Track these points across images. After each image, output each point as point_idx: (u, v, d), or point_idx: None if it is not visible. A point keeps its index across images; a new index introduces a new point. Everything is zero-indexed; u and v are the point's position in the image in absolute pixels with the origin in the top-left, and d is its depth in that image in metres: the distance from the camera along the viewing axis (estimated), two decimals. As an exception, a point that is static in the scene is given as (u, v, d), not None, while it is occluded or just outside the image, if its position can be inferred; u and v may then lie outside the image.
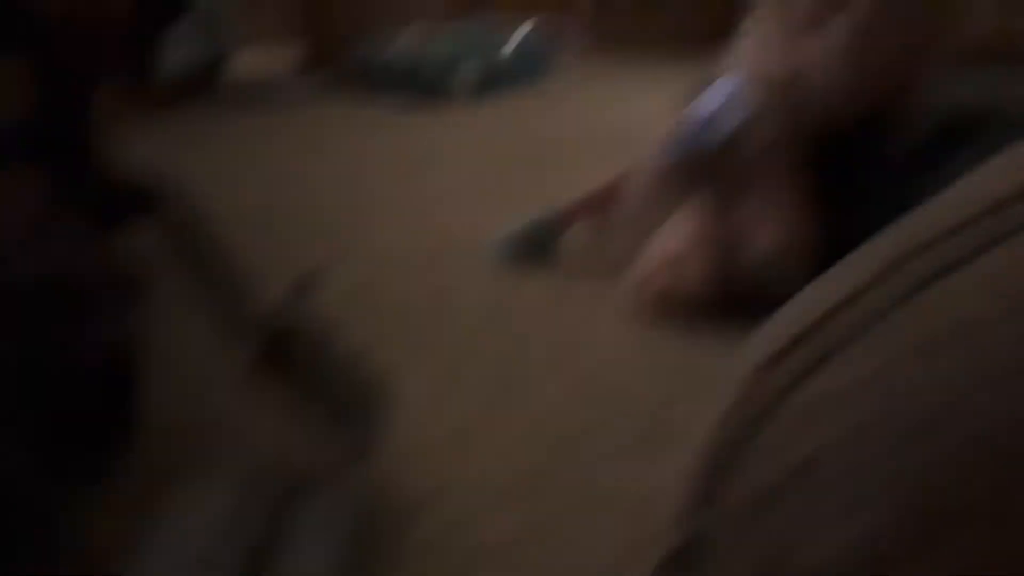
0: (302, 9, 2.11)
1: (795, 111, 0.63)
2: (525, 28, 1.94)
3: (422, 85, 1.72)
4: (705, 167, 0.69)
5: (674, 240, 0.67)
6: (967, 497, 0.25)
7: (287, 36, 2.23)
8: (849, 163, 0.66)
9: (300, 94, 1.81)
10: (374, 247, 0.84)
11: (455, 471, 0.47)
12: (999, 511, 0.25)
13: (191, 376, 0.53)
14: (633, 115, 0.74)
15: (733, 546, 0.30)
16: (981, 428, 0.26)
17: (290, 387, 0.39)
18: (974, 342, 0.26)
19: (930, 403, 0.26)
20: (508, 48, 1.88)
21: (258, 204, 1.01)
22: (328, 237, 0.88)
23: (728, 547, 0.30)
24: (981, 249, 0.28)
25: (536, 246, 0.79)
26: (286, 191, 1.07)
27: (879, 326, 0.28)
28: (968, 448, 0.26)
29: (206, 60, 1.77)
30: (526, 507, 0.44)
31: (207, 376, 0.51)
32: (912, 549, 0.26)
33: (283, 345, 0.39)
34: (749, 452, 0.30)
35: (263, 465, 0.42)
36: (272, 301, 0.40)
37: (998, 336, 0.26)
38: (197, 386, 0.53)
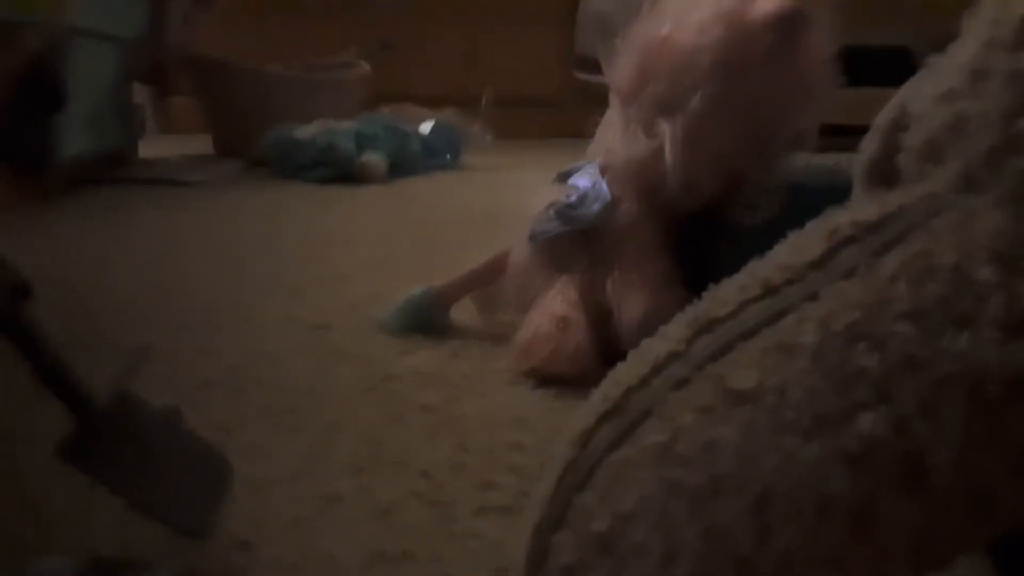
0: (209, 106, 2.14)
1: (647, 195, 0.69)
2: (431, 121, 2.02)
3: (333, 169, 1.76)
4: (574, 243, 0.73)
5: (554, 308, 0.71)
6: (767, 552, 0.28)
7: (198, 129, 2.26)
8: (706, 238, 0.72)
9: (211, 178, 1.81)
10: (262, 322, 0.85)
11: (315, 544, 0.47)
12: (795, 568, 0.28)
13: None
14: (527, 197, 0.79)
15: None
16: (768, 486, 0.29)
17: (117, 467, 0.38)
18: (747, 410, 0.29)
19: (721, 465, 0.29)
20: (416, 137, 1.94)
21: (148, 281, 1.01)
22: (216, 314, 0.88)
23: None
24: (759, 326, 0.32)
25: (424, 318, 0.81)
26: (179, 270, 1.07)
27: (673, 397, 0.32)
28: (761, 505, 0.28)
29: (104, 150, 1.77)
30: (392, 574, 0.44)
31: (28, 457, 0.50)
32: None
33: (115, 421, 0.39)
34: (559, 530, 0.32)
35: (80, 550, 0.41)
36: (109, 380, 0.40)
37: (767, 404, 0.29)
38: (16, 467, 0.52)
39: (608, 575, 0.30)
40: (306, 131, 1.77)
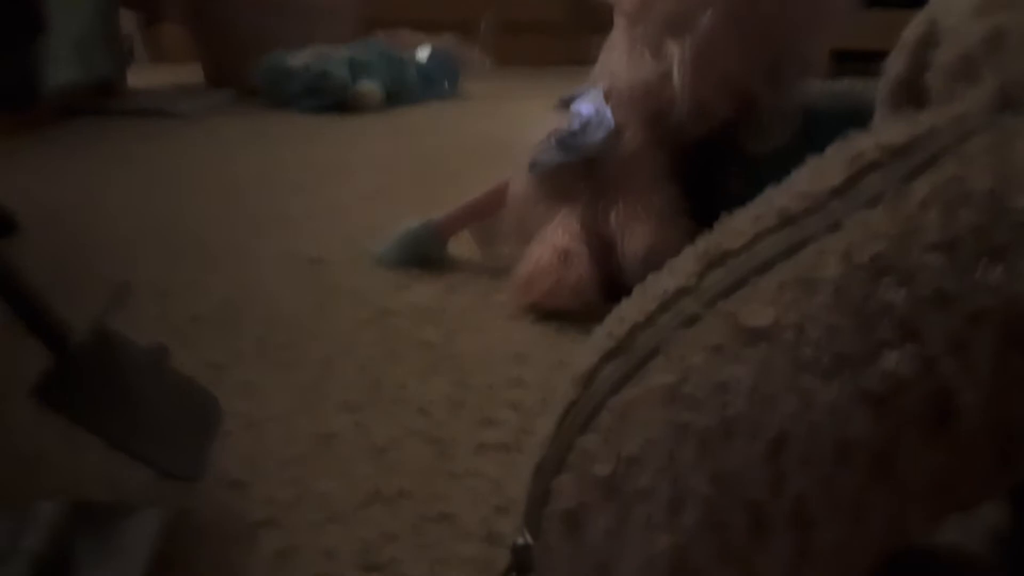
0: (200, 33, 2.08)
1: (653, 121, 0.66)
2: (428, 48, 1.96)
3: (327, 97, 1.71)
4: (576, 173, 0.70)
5: (555, 240, 0.68)
6: (780, 498, 0.26)
7: (189, 58, 2.20)
8: (713, 168, 0.69)
9: (202, 109, 1.77)
10: (256, 256, 0.83)
11: (311, 483, 0.46)
12: (810, 513, 0.27)
13: None
14: (527, 125, 0.76)
15: (552, 568, 0.30)
16: (784, 430, 0.27)
17: (96, 407, 0.37)
18: (762, 349, 0.28)
19: (733, 407, 0.27)
20: (412, 64, 1.89)
21: (140, 216, 0.98)
22: (208, 248, 0.86)
23: (547, 568, 0.31)
24: (775, 259, 0.30)
25: (421, 251, 0.79)
26: (169, 203, 1.04)
27: (682, 335, 0.30)
28: (776, 449, 0.27)
29: (92, 80, 1.72)
30: (389, 513, 0.43)
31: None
32: (728, 549, 0.27)
33: (94, 359, 0.37)
34: (561, 473, 0.30)
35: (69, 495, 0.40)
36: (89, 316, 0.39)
37: (784, 342, 0.27)
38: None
39: (612, 521, 0.29)
40: (299, 59, 1.72)
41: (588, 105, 0.71)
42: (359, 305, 0.70)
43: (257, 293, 0.73)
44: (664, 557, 0.27)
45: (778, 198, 0.32)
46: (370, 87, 1.71)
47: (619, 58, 0.68)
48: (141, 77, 2.05)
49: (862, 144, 0.31)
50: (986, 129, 0.29)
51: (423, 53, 1.95)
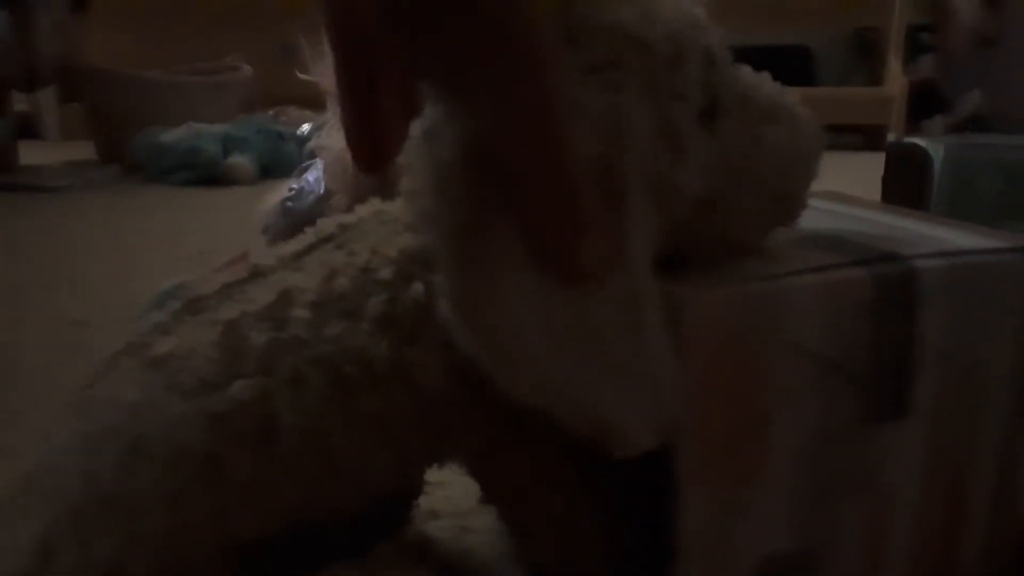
0: (91, 110, 2.16)
1: (355, 188, 0.73)
2: (311, 123, 2.05)
3: (199, 171, 1.78)
4: (298, 230, 0.77)
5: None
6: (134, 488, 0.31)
7: (83, 136, 2.27)
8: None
9: (81, 184, 1.83)
10: (24, 317, 0.88)
11: None
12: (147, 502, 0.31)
13: None
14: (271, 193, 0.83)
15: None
16: (140, 434, 0.31)
17: None
18: (154, 373, 0.33)
19: (114, 418, 0.33)
20: (292, 139, 1.97)
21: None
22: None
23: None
24: (218, 304, 0.35)
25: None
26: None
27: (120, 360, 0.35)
28: (130, 450, 0.32)
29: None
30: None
31: None
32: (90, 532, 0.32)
33: None
34: None
35: None
36: None
37: (168, 368, 0.33)
38: None
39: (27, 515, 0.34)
40: (172, 134, 1.80)
41: (313, 173, 0.78)
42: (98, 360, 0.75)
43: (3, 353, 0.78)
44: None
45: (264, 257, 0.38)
46: (240, 161, 1.78)
47: (328, 131, 0.75)
48: (46, 153, 2.12)
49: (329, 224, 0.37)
50: (376, 217, 0.36)
51: (305, 127, 2.04)
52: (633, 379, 0.27)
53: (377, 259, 0.33)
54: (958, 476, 0.35)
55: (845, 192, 0.45)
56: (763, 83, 0.33)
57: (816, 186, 0.35)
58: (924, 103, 2.68)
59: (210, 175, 1.76)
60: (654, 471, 0.31)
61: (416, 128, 0.30)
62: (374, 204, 0.38)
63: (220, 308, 0.34)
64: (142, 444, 0.32)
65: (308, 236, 0.37)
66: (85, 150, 2.21)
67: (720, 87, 0.31)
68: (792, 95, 0.33)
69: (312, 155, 0.80)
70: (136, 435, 0.32)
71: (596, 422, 0.27)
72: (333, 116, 0.75)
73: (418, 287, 0.32)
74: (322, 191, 0.75)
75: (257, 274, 0.35)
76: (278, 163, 1.90)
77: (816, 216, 0.39)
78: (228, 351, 0.32)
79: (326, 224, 0.37)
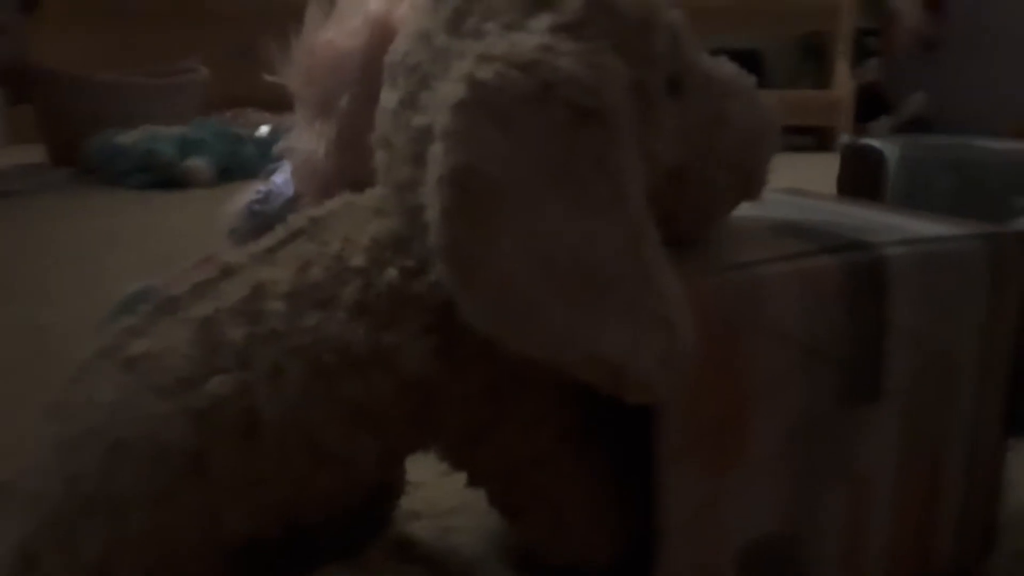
0: (41, 113, 2.11)
1: (324, 190, 0.72)
2: (269, 125, 2.03)
3: (156, 174, 1.75)
4: (265, 231, 0.77)
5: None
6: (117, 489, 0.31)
7: (32, 139, 2.22)
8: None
9: (35, 187, 1.78)
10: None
11: None
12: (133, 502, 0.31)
13: None
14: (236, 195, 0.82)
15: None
16: (120, 436, 0.31)
17: None
18: (128, 373, 0.33)
19: (93, 419, 0.32)
20: (250, 141, 1.95)
21: None
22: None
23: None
24: (189, 303, 0.34)
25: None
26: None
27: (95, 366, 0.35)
28: (111, 452, 0.32)
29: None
30: None
31: None
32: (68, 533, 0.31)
33: None
34: None
35: None
36: None
37: (143, 368, 0.32)
38: None
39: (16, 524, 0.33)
40: (128, 137, 1.76)
41: (280, 175, 0.78)
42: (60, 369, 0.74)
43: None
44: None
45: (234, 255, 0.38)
46: (199, 164, 1.76)
47: (296, 134, 0.75)
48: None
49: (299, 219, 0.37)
50: (346, 207, 0.36)
51: (264, 129, 2.02)
52: (642, 317, 0.26)
53: (349, 247, 0.33)
54: (931, 458, 0.36)
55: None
56: (722, 64, 0.34)
57: (773, 184, 0.36)
58: (870, 105, 2.75)
59: (168, 178, 1.74)
60: (647, 451, 0.31)
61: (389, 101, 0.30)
62: (344, 196, 0.38)
63: (193, 307, 0.34)
64: (123, 445, 0.32)
65: (279, 232, 0.37)
66: (35, 153, 2.16)
67: (684, 62, 0.32)
68: (749, 78, 0.35)
69: (279, 157, 0.80)
70: (116, 436, 0.32)
71: (607, 366, 0.25)
72: (300, 118, 0.74)
73: (392, 272, 0.32)
74: (291, 194, 0.74)
75: (228, 272, 0.35)
76: (237, 165, 1.88)
77: (784, 207, 0.40)
78: (205, 348, 0.32)
79: (297, 219, 0.37)
